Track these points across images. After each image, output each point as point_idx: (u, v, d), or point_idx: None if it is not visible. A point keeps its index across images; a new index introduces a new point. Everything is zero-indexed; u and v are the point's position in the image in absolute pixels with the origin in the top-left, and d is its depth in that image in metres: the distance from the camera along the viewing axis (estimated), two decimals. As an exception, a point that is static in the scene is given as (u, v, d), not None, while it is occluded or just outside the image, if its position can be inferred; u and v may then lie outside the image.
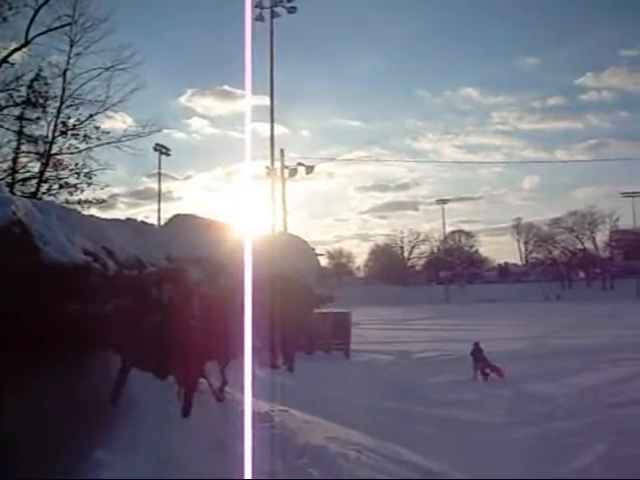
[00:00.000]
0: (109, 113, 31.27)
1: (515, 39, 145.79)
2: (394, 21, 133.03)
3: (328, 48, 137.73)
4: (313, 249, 18.10)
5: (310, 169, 38.93)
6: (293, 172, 36.84)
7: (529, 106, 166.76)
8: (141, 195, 71.94)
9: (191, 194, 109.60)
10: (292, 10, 34.58)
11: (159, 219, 43.04)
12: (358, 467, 8.42)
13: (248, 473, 5.16)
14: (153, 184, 70.92)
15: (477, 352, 23.23)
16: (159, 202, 55.10)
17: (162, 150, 55.80)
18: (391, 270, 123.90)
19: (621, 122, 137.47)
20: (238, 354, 8.62)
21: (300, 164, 38.33)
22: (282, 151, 35.17)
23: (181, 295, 8.06)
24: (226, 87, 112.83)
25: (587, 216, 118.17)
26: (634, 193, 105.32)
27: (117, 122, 34.25)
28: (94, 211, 28.83)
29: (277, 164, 33.17)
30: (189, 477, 6.86)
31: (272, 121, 29.24)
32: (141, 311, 7.49)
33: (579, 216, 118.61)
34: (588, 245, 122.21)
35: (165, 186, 56.51)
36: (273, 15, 33.16)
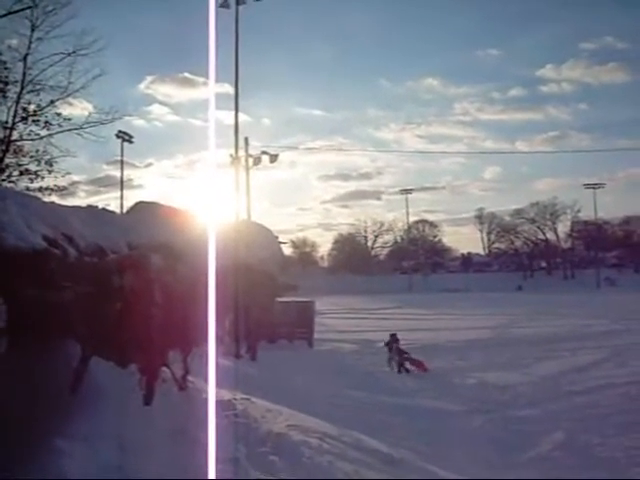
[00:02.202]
0: (69, 99, 30.86)
1: (476, 30, 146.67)
2: (356, 10, 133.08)
3: (289, 36, 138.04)
4: (276, 237, 18.12)
5: (274, 158, 38.80)
6: (257, 160, 36.67)
7: (490, 97, 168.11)
8: (101, 183, 71.10)
9: (152, 182, 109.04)
10: (257, -3, 34.32)
11: (121, 206, 42.65)
12: (320, 454, 8.44)
13: (212, 460, 5.13)
14: (113, 172, 70.38)
15: (392, 343, 22.73)
16: (121, 189, 54.45)
17: (125, 137, 55.21)
18: (355, 259, 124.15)
19: (581, 114, 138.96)
20: (200, 343, 8.59)
21: (264, 152, 38.16)
22: (246, 139, 34.94)
23: (142, 283, 7.99)
24: (187, 74, 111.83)
25: (549, 207, 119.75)
26: (596, 185, 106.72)
27: (76, 109, 33.77)
28: (54, 199, 28.52)
29: (241, 152, 32.96)
30: (150, 465, 6.82)
31: (237, 109, 28.98)
32: (102, 298, 7.42)
33: (541, 207, 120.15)
34: (550, 236, 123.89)
35: (126, 174, 55.88)
36: (239, 2, 32.85)
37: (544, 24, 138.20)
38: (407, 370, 21.48)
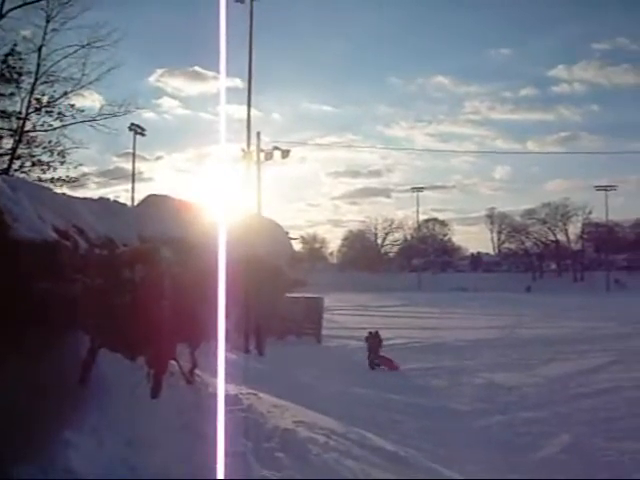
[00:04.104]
0: (80, 91, 30.91)
1: (488, 29, 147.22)
2: (367, 7, 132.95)
3: (299, 31, 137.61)
4: (286, 233, 18.10)
5: (286, 153, 38.76)
6: (269, 156, 36.68)
7: (501, 96, 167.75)
8: (111, 175, 71.20)
9: (162, 175, 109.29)
10: (272, -8, 34.39)
11: (132, 199, 42.74)
12: (326, 451, 8.44)
13: (221, 456, 5.15)
14: (123, 164, 70.79)
15: (371, 339, 23.02)
16: (133, 182, 54.63)
17: (137, 130, 55.34)
18: (364, 256, 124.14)
19: (592, 115, 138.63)
20: (209, 337, 8.61)
21: (276, 148, 38.17)
22: (258, 134, 35.00)
23: (153, 275, 8.01)
24: (197, 68, 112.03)
25: (560, 208, 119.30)
26: (607, 187, 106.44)
27: (86, 100, 33.75)
28: (65, 190, 28.59)
29: (252, 147, 32.98)
30: (157, 457, 6.84)
31: (249, 104, 29.12)
32: (112, 291, 7.44)
33: (552, 208, 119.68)
34: (560, 237, 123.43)
35: (136, 166, 56.13)
36: (253, -4, 32.94)
37: (556, 24, 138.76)
38: (378, 365, 21.95)
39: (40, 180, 27.94)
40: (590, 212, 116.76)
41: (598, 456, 11.63)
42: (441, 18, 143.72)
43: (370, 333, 23.50)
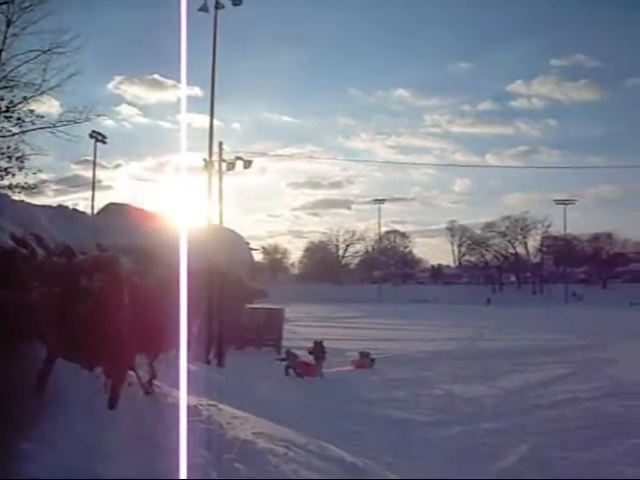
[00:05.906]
0: (39, 97, 30.51)
1: (447, 43, 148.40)
2: (327, 19, 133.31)
3: (260, 42, 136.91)
4: (247, 243, 18.13)
5: (248, 163, 38.46)
6: (231, 166, 36.46)
7: (460, 110, 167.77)
8: (70, 182, 69.94)
9: (121, 183, 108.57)
10: (237, 2, 34.19)
11: (92, 207, 42.24)
12: (285, 462, 8.40)
13: (183, 468, 5.09)
14: (82, 172, 70.08)
15: (315, 349, 23.59)
16: (93, 190, 53.85)
17: (98, 137, 54.72)
18: (326, 268, 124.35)
19: (551, 130, 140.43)
20: (168, 347, 8.54)
21: (239, 158, 37.98)
22: (220, 144, 34.72)
23: (111, 285, 7.92)
24: (156, 76, 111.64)
25: (520, 221, 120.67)
26: (566, 201, 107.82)
27: (46, 106, 33.29)
28: (23, 197, 28.18)
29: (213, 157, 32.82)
30: (116, 469, 6.75)
31: (212, 114, 28.84)
32: (69, 299, 7.34)
33: (512, 221, 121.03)
34: (520, 250, 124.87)
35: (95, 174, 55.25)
36: (217, 6, 32.78)
37: (515, 40, 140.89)
38: (299, 375, 21.86)
39: (-3, 186, 27.53)
40: (549, 225, 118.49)
41: (555, 466, 11.73)
42: (401, 31, 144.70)
43: (315, 342, 23.93)
